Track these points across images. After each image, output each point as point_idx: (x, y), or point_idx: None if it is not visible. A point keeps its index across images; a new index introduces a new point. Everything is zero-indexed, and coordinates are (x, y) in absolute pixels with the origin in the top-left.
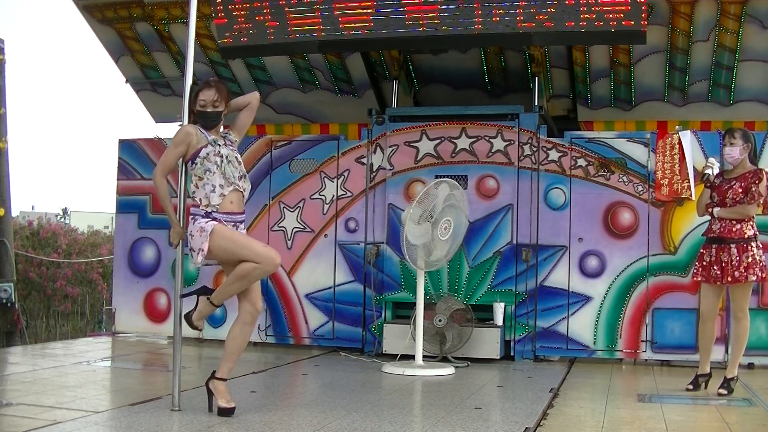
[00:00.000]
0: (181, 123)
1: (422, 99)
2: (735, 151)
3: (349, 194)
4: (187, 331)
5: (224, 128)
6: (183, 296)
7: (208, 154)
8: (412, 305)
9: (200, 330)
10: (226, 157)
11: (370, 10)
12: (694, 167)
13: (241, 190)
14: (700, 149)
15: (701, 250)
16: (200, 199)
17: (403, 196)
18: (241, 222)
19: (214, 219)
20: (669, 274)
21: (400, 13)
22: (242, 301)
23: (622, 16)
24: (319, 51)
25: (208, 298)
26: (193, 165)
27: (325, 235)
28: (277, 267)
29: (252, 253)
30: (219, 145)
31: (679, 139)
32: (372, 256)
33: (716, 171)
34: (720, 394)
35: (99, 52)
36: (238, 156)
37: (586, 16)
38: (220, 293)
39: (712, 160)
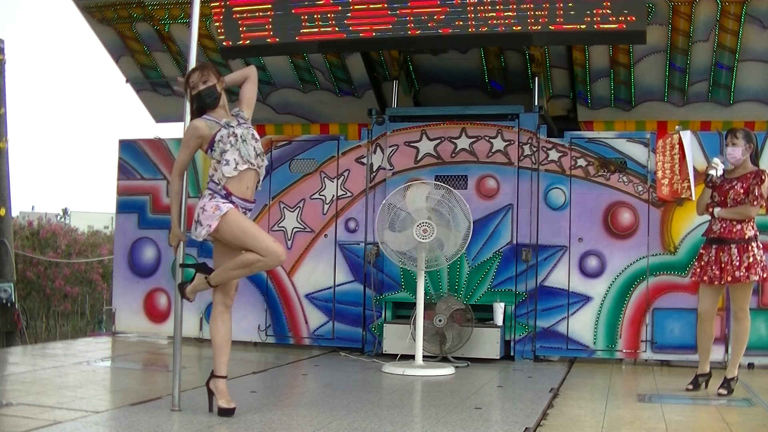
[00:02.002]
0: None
1: (422, 99)
2: (737, 152)
3: (349, 194)
4: (187, 331)
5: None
6: (181, 266)
7: (222, 137)
8: (412, 305)
9: (191, 301)
10: (241, 136)
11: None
12: (694, 167)
13: (256, 168)
14: (700, 149)
15: (701, 251)
16: (218, 179)
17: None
18: (250, 210)
19: (232, 202)
20: (669, 274)
21: (401, 14)
22: (216, 292)
23: (622, 16)
24: (319, 51)
25: (206, 277)
26: (212, 151)
27: (325, 235)
28: (282, 263)
29: (259, 246)
30: (232, 126)
31: (680, 139)
32: (372, 256)
33: (720, 172)
34: (720, 394)
35: (99, 52)
36: (254, 133)
37: (586, 16)
38: (219, 275)
39: (716, 160)
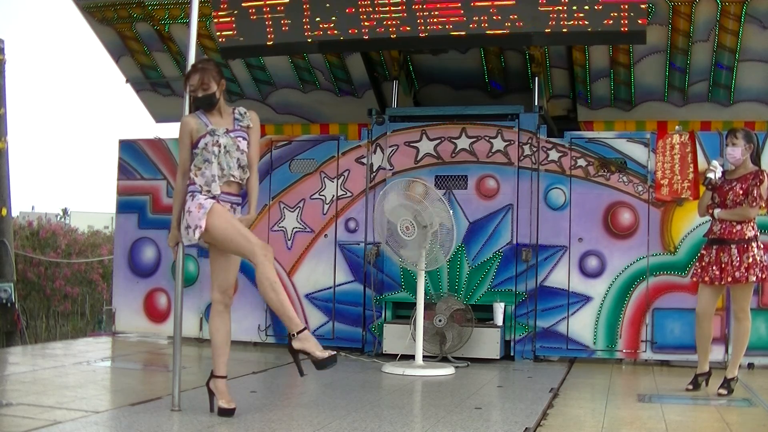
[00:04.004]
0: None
1: (422, 99)
2: (737, 152)
3: (349, 194)
4: (187, 331)
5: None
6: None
7: (206, 144)
8: (412, 305)
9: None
10: (225, 147)
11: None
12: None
13: (237, 181)
14: (700, 149)
15: (702, 251)
16: (201, 186)
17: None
18: (237, 204)
19: (214, 198)
20: (669, 274)
21: (401, 13)
22: (214, 290)
23: (622, 16)
24: (319, 51)
25: (291, 335)
26: (194, 154)
27: (325, 235)
28: (270, 253)
29: (244, 240)
30: (218, 135)
31: (680, 139)
32: (372, 256)
33: (719, 174)
34: (720, 394)
35: (99, 52)
36: (242, 144)
37: (586, 15)
38: (281, 313)
39: (715, 163)
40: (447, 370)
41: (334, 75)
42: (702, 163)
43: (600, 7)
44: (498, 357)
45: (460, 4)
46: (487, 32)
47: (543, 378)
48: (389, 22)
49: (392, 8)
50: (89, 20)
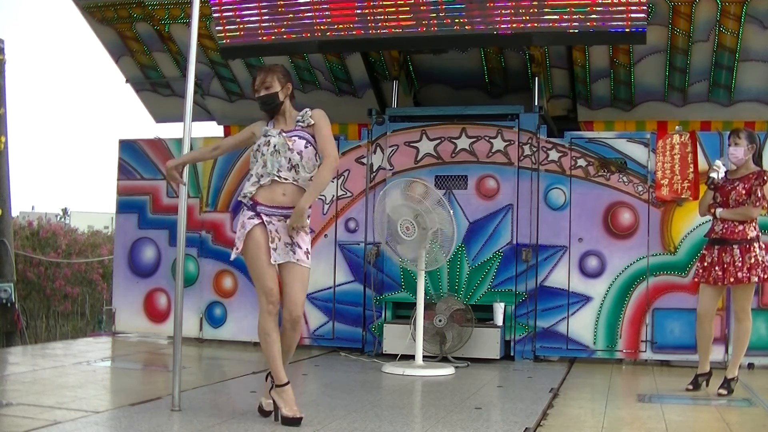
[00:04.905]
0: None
1: (422, 99)
2: (739, 152)
3: (349, 194)
4: (187, 331)
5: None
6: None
7: (259, 145)
8: (412, 305)
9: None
10: (274, 146)
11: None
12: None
13: (291, 182)
14: (700, 149)
15: (703, 251)
16: (244, 194)
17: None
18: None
19: (258, 215)
20: (669, 274)
21: (400, 13)
22: (259, 297)
23: (622, 16)
24: (319, 51)
25: (271, 382)
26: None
27: (325, 235)
28: (273, 306)
29: (256, 279)
30: (271, 135)
31: (680, 139)
32: (372, 256)
33: (722, 174)
34: (720, 394)
35: (99, 52)
36: (296, 144)
37: (586, 16)
38: (269, 365)
39: (718, 162)
40: (447, 370)
41: (334, 75)
42: (702, 163)
43: (599, 8)
44: (498, 357)
45: (408, 8)
46: (488, 32)
47: (543, 378)
48: (342, 25)
49: (344, 11)
50: (89, 20)
